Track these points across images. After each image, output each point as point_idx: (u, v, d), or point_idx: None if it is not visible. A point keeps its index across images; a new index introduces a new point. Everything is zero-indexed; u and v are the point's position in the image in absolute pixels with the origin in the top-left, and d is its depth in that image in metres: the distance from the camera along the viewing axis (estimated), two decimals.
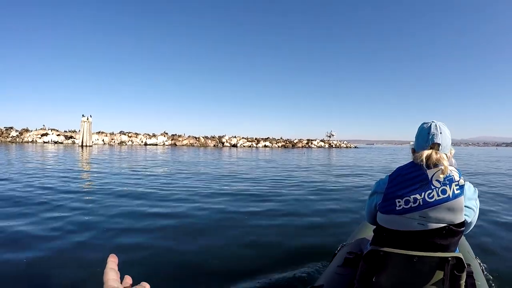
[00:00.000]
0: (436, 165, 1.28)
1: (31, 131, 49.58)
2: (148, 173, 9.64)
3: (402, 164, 1.38)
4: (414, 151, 1.41)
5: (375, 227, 1.45)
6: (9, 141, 47.76)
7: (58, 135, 48.26)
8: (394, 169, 1.40)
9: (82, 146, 35.18)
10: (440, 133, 1.34)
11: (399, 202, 1.29)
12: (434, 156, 1.29)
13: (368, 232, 2.02)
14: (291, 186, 7.59)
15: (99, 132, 49.32)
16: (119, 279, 0.48)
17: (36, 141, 47.48)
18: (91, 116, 36.30)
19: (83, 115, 35.94)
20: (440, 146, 1.33)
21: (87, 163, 13.51)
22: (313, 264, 2.67)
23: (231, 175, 9.80)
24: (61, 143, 46.14)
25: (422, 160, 1.28)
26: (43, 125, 50.21)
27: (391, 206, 1.31)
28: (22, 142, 47.26)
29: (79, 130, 38.22)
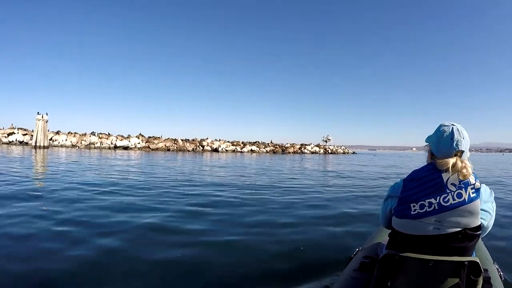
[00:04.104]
0: (456, 171, 1.24)
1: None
2: None
3: (418, 168, 1.34)
4: (432, 154, 1.36)
5: (390, 231, 1.43)
6: None
7: (24, 134, 44.53)
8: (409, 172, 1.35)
9: (35, 147, 31.47)
10: (463, 138, 1.31)
11: (414, 206, 1.27)
12: (459, 164, 1.25)
13: (384, 236, 1.96)
14: None
15: (69, 133, 45.53)
16: None
17: (1, 140, 43.91)
18: (47, 114, 32.72)
19: (38, 112, 32.38)
20: (464, 153, 1.30)
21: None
22: (329, 268, 2.60)
23: None
24: (27, 143, 42.44)
25: (448, 169, 1.25)
26: (11, 124, 46.70)
27: (406, 211, 1.29)
28: None
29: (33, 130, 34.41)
